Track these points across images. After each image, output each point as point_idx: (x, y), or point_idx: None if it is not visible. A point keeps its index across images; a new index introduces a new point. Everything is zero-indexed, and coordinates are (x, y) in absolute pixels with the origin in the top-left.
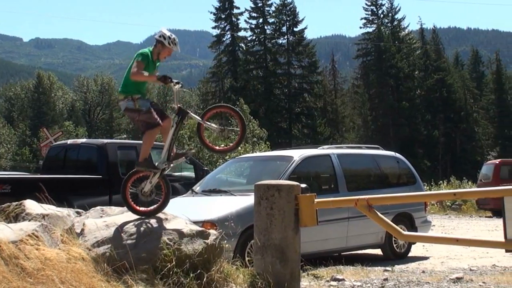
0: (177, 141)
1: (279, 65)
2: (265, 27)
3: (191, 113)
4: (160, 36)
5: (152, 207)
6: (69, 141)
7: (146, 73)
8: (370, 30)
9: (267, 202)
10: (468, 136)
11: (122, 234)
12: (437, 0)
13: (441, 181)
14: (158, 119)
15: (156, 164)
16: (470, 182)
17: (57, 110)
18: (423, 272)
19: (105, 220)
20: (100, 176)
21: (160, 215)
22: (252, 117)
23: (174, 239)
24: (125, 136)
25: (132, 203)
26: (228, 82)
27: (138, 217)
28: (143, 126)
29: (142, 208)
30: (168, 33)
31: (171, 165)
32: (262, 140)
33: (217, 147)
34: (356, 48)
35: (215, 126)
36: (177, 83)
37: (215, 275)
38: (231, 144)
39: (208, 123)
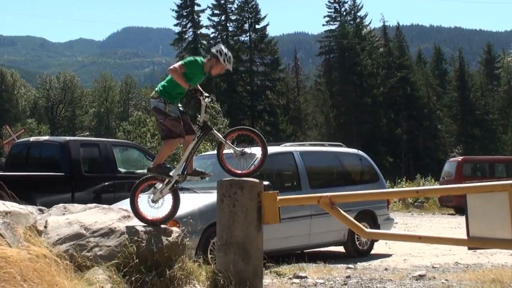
0: (140, 138)
1: (241, 62)
2: (228, 25)
3: (214, 131)
4: (217, 51)
5: (160, 217)
6: (32, 139)
7: (182, 78)
8: (333, 27)
9: (229, 199)
10: (431, 133)
11: (84, 231)
12: None
13: (402, 179)
14: (183, 131)
15: (171, 173)
16: (432, 180)
17: (19, 107)
18: (386, 269)
19: (68, 218)
20: (63, 174)
21: (122, 212)
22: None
23: (136, 236)
24: (87, 133)
25: (140, 211)
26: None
27: (100, 215)
28: (166, 132)
29: (150, 217)
30: (225, 50)
31: (185, 178)
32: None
33: (237, 171)
34: (319, 45)
35: (235, 151)
36: (207, 97)
37: (178, 273)
38: (251, 168)
39: (229, 144)
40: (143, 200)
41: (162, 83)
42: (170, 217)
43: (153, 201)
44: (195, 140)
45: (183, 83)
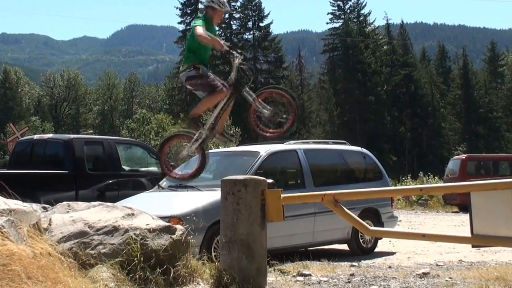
0: (144, 136)
1: (245, 60)
2: (231, 22)
3: (245, 92)
4: (209, 1)
5: (187, 173)
6: (36, 137)
7: (211, 37)
8: (337, 25)
9: (233, 197)
10: (435, 131)
11: (88, 229)
12: None
13: (406, 177)
14: (223, 84)
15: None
16: (436, 178)
17: (23, 105)
18: (390, 267)
19: (72, 216)
20: (67, 172)
21: (126, 210)
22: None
23: (140, 234)
24: (91, 131)
25: (168, 168)
26: None
27: (104, 212)
28: (208, 88)
29: (178, 174)
30: None
31: (213, 137)
32: (233, 136)
33: (267, 133)
34: (323, 43)
35: (267, 110)
36: (238, 57)
37: (181, 270)
38: (281, 128)
39: (260, 105)
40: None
41: (185, 55)
42: (198, 173)
43: (180, 159)
44: (225, 99)
45: (216, 42)
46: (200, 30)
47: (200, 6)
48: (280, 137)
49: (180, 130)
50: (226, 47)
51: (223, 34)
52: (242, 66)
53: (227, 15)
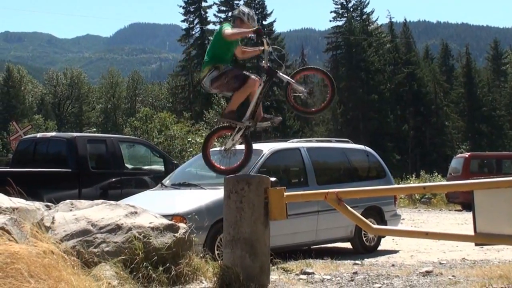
0: (147, 134)
1: (248, 58)
2: None
3: (280, 73)
4: (239, 13)
5: (233, 166)
6: (39, 135)
7: (239, 30)
8: (340, 23)
9: (236, 195)
10: (438, 129)
11: (91, 227)
12: None
13: (409, 175)
14: (248, 74)
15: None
16: (439, 176)
17: (26, 103)
18: (393, 265)
19: (75, 214)
20: (70, 170)
21: (129, 208)
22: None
23: (143, 232)
24: (94, 129)
25: (213, 161)
26: (198, 75)
27: (107, 211)
28: (236, 83)
29: (223, 167)
30: (246, 10)
31: (256, 125)
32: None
33: (307, 109)
34: (326, 41)
35: (303, 89)
36: (268, 43)
37: (185, 269)
38: (322, 105)
39: (296, 84)
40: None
41: (205, 58)
42: (244, 164)
43: (225, 150)
44: (261, 85)
45: (246, 32)
46: (229, 29)
47: (233, 13)
48: (320, 113)
49: (222, 123)
50: (255, 33)
51: None
52: (273, 49)
53: (230, 13)
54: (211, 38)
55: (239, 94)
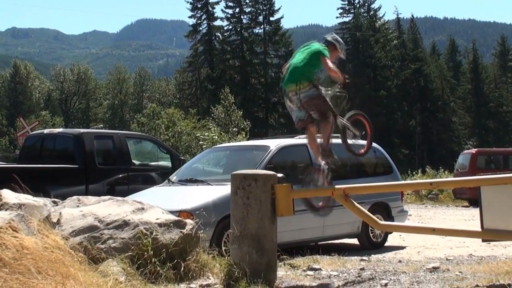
0: (154, 130)
1: (255, 54)
2: (242, 17)
3: (339, 118)
4: (335, 40)
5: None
6: (46, 131)
7: (338, 73)
8: (347, 19)
9: (243, 191)
10: (445, 125)
11: (98, 223)
12: None
13: (416, 171)
14: (332, 108)
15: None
16: (446, 172)
17: (33, 99)
18: (400, 261)
19: (82, 210)
20: (77, 166)
21: (136, 204)
22: (235, 107)
23: (150, 228)
24: (101, 125)
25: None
26: (205, 71)
27: (114, 207)
28: (321, 111)
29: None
30: (340, 39)
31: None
32: (244, 131)
33: (357, 152)
34: None
35: (357, 132)
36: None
37: (192, 265)
38: (362, 151)
39: (351, 128)
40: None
41: (298, 73)
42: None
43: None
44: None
45: (341, 78)
46: (332, 66)
47: (327, 37)
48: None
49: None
50: (344, 82)
51: (233, 29)
52: (338, 93)
53: (237, 9)
54: (219, 35)
55: (326, 128)
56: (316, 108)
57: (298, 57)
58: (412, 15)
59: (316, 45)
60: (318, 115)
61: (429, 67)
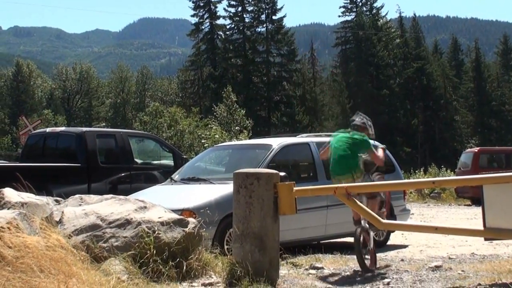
0: (156, 129)
1: (258, 53)
2: (244, 15)
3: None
4: (363, 123)
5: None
6: (48, 129)
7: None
8: (349, 18)
9: (246, 190)
10: (447, 124)
11: (101, 222)
12: None
13: (418, 170)
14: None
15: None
16: (449, 171)
17: (36, 98)
18: (402, 260)
19: (84, 209)
20: (79, 165)
21: (138, 203)
22: (237, 106)
23: (153, 227)
24: (104, 124)
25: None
26: (207, 70)
27: (116, 205)
28: (375, 193)
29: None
30: (369, 122)
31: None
32: (246, 129)
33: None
34: (335, 36)
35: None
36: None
37: (194, 263)
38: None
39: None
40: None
41: (352, 164)
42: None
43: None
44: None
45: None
46: (382, 158)
47: (357, 122)
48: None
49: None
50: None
51: (235, 27)
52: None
53: (240, 8)
54: (221, 34)
55: (374, 207)
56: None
57: (342, 146)
58: (415, 14)
59: (359, 137)
60: (367, 195)
61: (432, 66)
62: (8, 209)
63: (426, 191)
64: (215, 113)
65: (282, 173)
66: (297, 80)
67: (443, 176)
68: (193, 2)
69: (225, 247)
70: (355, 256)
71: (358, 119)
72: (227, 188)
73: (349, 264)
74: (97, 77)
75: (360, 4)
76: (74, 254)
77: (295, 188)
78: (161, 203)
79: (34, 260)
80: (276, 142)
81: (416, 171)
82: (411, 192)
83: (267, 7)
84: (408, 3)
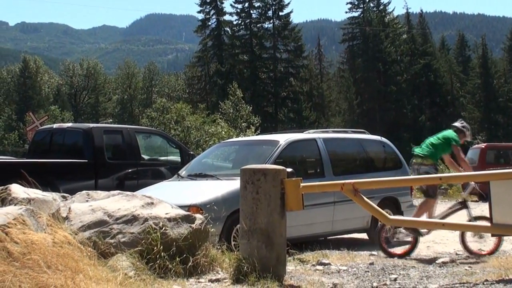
0: (163, 125)
1: (265, 49)
2: (251, 11)
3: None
4: (463, 127)
5: (403, 251)
6: (55, 126)
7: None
8: (356, 14)
9: (253, 186)
10: (454, 120)
11: (107, 218)
12: None
13: None
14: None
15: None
16: None
17: (43, 94)
18: (409, 256)
19: (91, 205)
20: (86, 161)
21: (145, 199)
22: (244, 102)
23: (160, 223)
24: (111, 120)
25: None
26: (214, 66)
27: (123, 201)
28: (430, 192)
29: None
30: (466, 125)
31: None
32: (253, 125)
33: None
34: (342, 32)
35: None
36: None
37: (201, 259)
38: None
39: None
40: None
41: (433, 149)
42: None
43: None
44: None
45: (457, 170)
46: (463, 157)
47: (457, 124)
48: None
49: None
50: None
51: (242, 24)
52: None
53: (246, 4)
54: (228, 30)
55: (423, 208)
56: (426, 185)
57: (435, 137)
58: (421, 10)
59: (451, 133)
60: (423, 192)
61: (439, 62)
62: (15, 205)
63: None
64: (221, 109)
65: (289, 169)
66: (304, 76)
67: (450, 172)
68: None
69: (232, 243)
70: (362, 252)
71: (460, 124)
72: (234, 184)
73: (356, 260)
74: (104, 73)
75: (367, 0)
76: (81, 250)
77: (302, 184)
78: (168, 199)
79: (41, 256)
80: (283, 138)
81: None
82: (417, 188)
83: (274, 3)
84: None
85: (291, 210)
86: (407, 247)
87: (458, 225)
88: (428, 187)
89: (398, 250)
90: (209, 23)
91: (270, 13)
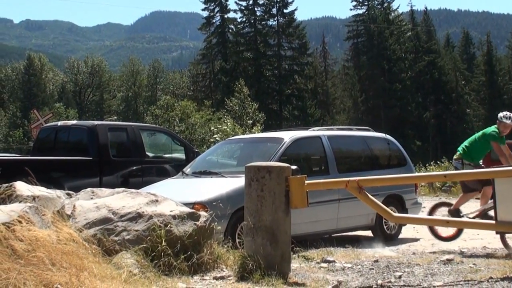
0: (168, 122)
1: (269, 46)
2: (255, 9)
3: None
4: (502, 118)
5: (450, 234)
6: (60, 123)
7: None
8: (361, 12)
9: (257, 183)
10: (459, 117)
11: (112, 216)
12: None
13: (429, 163)
14: (478, 186)
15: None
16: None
17: (47, 91)
18: (414, 253)
19: (96, 202)
20: (91, 158)
21: (150, 196)
22: (250, 99)
23: (164, 220)
24: (115, 118)
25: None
26: (218, 64)
27: (128, 199)
28: (463, 187)
29: (444, 235)
30: (508, 114)
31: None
32: (259, 123)
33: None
34: (347, 30)
35: None
36: None
37: (206, 257)
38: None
39: None
40: None
41: (464, 144)
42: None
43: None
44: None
45: (507, 162)
46: (504, 152)
47: (499, 114)
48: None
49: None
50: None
51: (247, 21)
52: None
53: (251, 1)
54: (232, 27)
55: (464, 198)
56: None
57: (475, 135)
58: (426, 7)
59: (489, 129)
60: (463, 186)
61: (443, 60)
62: (19, 202)
63: (437, 185)
64: (227, 107)
65: (293, 167)
66: (309, 74)
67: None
68: None
69: (237, 240)
70: (366, 250)
71: (502, 114)
72: (238, 182)
73: (361, 257)
74: (108, 70)
75: None
76: (85, 247)
77: (306, 182)
78: (173, 196)
79: (46, 253)
80: (288, 136)
81: (427, 165)
82: (422, 186)
83: (278, 0)
84: None
85: (296, 207)
86: (451, 232)
87: (462, 222)
88: (467, 184)
89: (444, 233)
90: (214, 21)
91: (274, 10)
